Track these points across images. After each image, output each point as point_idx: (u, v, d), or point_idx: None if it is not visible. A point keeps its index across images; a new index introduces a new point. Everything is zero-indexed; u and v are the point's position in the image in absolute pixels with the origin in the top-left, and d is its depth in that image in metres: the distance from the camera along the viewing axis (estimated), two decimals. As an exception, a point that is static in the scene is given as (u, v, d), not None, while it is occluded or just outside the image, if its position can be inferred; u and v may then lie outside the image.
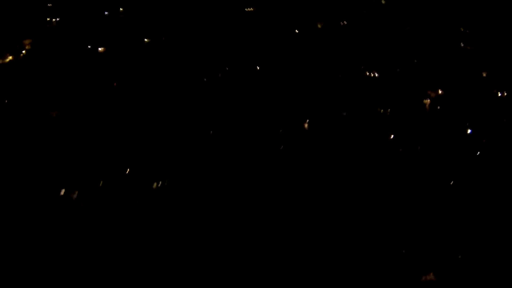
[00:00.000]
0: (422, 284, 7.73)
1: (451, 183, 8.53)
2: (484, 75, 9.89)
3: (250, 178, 8.58)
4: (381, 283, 7.74)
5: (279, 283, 7.74)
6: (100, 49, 10.17)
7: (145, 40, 10.27)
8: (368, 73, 9.80)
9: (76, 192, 8.42)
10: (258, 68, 9.87)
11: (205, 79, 9.72)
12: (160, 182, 8.49)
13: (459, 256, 7.90)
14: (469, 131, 9.14)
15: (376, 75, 9.78)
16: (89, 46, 10.19)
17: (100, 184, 8.49)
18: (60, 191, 8.44)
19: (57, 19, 10.60)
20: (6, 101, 9.48)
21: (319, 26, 10.46)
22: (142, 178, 8.55)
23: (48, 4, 10.80)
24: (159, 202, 8.37)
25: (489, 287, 7.70)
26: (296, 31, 10.37)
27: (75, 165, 8.70)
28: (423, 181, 8.55)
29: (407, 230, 8.16)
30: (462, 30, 10.47)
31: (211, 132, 9.07)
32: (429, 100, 9.47)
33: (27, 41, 10.30)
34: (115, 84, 9.70)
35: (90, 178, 8.56)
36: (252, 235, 8.06)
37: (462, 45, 10.28)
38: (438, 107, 9.40)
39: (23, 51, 10.18)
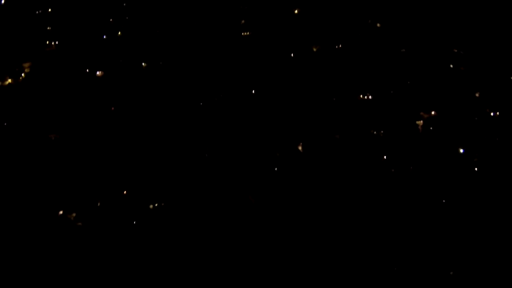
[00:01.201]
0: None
1: (443, 202, 8.69)
2: (477, 95, 9.98)
3: (245, 201, 8.76)
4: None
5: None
6: (98, 73, 10.30)
7: (143, 64, 10.40)
8: (362, 96, 9.93)
9: (74, 214, 8.58)
10: (253, 91, 10.01)
11: (201, 103, 9.88)
12: (157, 204, 8.66)
13: (451, 273, 8.06)
14: (461, 150, 9.26)
15: (370, 97, 9.91)
16: (87, 70, 10.32)
17: (98, 205, 8.65)
18: (58, 212, 8.60)
19: (56, 42, 10.71)
20: (5, 123, 9.63)
21: (314, 49, 10.57)
22: (139, 199, 8.72)
23: (48, 28, 10.90)
24: (156, 222, 8.54)
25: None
26: (292, 54, 10.48)
27: (73, 187, 8.86)
28: (415, 200, 8.70)
29: (398, 249, 8.30)
30: (455, 51, 10.55)
31: (206, 155, 9.26)
32: (422, 122, 9.59)
33: (26, 64, 10.41)
34: (112, 108, 9.84)
35: (88, 199, 8.71)
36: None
37: (456, 66, 10.37)
38: (431, 128, 9.52)
39: (23, 74, 10.30)
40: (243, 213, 8.66)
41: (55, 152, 9.29)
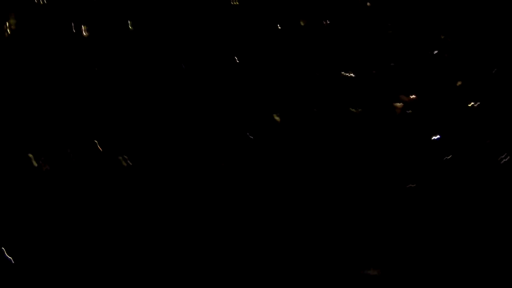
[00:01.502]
0: (364, 278, 7.89)
1: (414, 186, 8.77)
2: (459, 83, 10.04)
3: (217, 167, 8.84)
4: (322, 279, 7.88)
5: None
6: (84, 33, 10.27)
7: (130, 27, 10.38)
8: (344, 73, 9.98)
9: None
10: (237, 60, 10.04)
11: (183, 66, 9.89)
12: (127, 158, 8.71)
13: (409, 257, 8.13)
14: (437, 136, 9.33)
15: (352, 75, 9.97)
16: (74, 31, 10.30)
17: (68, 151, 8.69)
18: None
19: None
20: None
21: (302, 23, 10.59)
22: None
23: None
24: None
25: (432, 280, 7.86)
26: (279, 26, 10.49)
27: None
28: (383, 182, 8.79)
29: (356, 229, 8.37)
30: (442, 37, 10.60)
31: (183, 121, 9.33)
32: (401, 104, 9.66)
33: (12, 21, 10.38)
34: (96, 68, 9.84)
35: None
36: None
37: (441, 52, 10.42)
38: (409, 111, 9.59)
39: (8, 31, 10.27)
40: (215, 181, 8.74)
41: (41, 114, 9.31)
